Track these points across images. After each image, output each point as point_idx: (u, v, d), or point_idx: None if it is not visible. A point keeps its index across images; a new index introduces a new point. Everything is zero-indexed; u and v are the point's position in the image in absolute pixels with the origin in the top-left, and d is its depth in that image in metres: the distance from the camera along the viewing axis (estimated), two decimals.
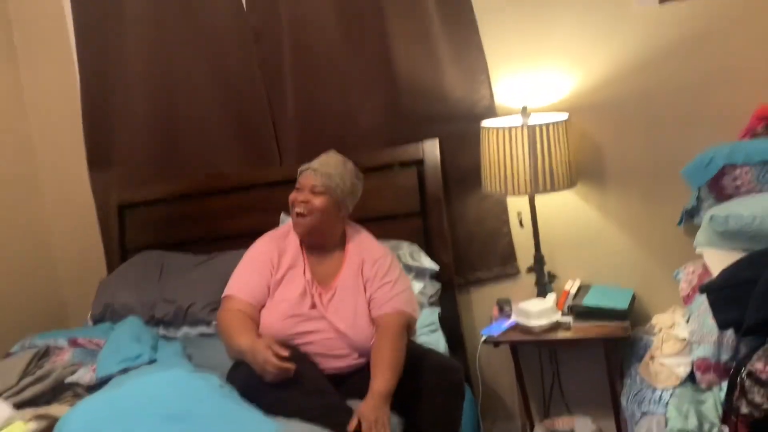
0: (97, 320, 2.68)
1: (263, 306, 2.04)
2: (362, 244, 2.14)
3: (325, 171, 2.05)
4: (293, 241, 2.14)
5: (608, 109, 2.51)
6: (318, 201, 2.04)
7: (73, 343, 2.42)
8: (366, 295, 2.06)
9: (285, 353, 1.79)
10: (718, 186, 2.23)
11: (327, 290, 2.07)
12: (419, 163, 2.63)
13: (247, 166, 2.85)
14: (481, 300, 2.73)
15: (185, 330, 2.59)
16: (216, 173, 2.86)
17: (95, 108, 2.92)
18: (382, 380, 1.86)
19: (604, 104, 2.51)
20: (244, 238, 2.45)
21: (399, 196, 2.65)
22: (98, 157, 2.97)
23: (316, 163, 2.09)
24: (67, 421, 1.45)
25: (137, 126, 2.89)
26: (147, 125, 2.88)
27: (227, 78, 2.81)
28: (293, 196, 2.09)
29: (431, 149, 2.63)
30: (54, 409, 1.69)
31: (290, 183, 2.76)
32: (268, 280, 2.06)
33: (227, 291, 2.08)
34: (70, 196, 3.07)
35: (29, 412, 1.67)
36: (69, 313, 3.16)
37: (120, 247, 2.97)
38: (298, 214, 2.06)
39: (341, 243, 2.15)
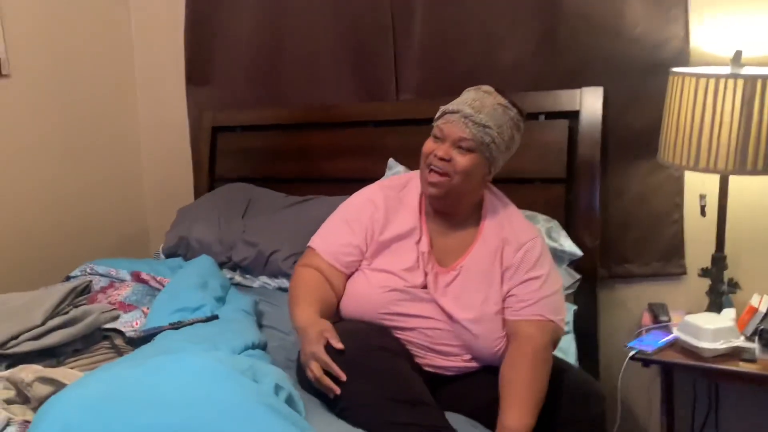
0: (169, 254, 2.41)
1: (348, 273, 1.59)
2: (506, 221, 1.60)
3: (480, 120, 1.49)
4: (411, 199, 1.63)
5: None
6: (464, 160, 1.50)
7: (137, 277, 2.11)
8: (502, 288, 1.54)
9: (340, 346, 1.35)
10: None
11: (446, 271, 1.57)
12: (573, 116, 2.14)
13: (356, 99, 2.49)
14: (627, 301, 2.23)
15: (263, 280, 2.28)
16: (320, 104, 2.53)
17: (199, 21, 2.70)
18: (519, 415, 1.39)
19: None
20: (344, 183, 2.14)
21: (541, 155, 2.14)
22: (197, 72, 2.77)
23: (466, 107, 1.51)
24: (46, 415, 1.04)
25: (241, 44, 2.64)
26: (251, 44, 2.61)
27: None
28: (430, 146, 1.54)
29: (592, 99, 2.11)
30: (67, 374, 1.27)
31: (405, 124, 2.32)
32: (363, 243, 1.58)
33: (312, 242, 1.65)
34: (165, 113, 2.87)
35: (31, 369, 1.26)
36: (150, 241, 2.99)
37: (209, 174, 2.74)
38: (433, 171, 1.53)
39: (476, 214, 1.62)
